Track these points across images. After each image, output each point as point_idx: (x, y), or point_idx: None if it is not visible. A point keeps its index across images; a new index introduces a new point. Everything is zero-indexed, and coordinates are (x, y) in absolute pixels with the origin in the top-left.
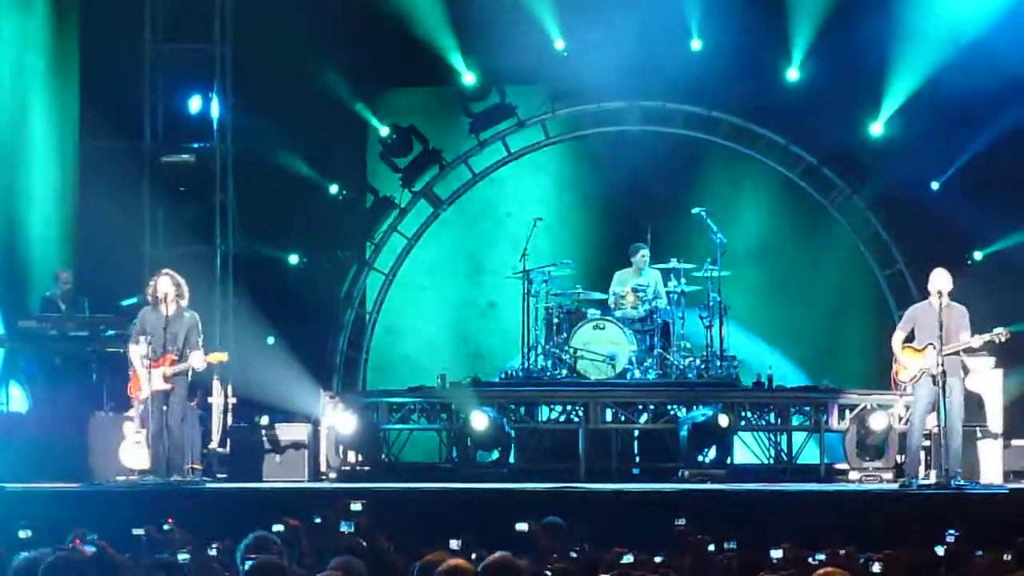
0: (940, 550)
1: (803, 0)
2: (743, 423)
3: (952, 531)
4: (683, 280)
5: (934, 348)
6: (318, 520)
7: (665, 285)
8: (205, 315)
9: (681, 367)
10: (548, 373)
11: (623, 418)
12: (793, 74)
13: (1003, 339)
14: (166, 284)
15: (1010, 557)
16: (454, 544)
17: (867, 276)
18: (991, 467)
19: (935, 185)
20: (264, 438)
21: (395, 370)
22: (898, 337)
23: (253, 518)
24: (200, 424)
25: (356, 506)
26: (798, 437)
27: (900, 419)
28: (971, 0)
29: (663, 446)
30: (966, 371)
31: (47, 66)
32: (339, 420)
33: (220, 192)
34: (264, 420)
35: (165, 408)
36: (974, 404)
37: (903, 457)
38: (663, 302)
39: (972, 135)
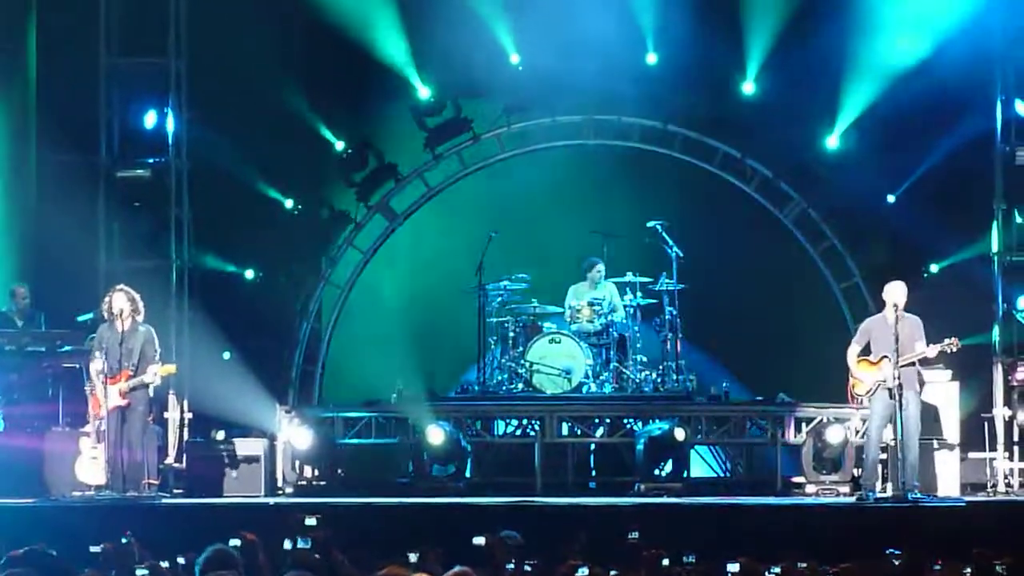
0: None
1: (759, 14)
2: (699, 436)
3: (895, 550)
4: (639, 294)
5: (889, 360)
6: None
7: (621, 298)
8: (160, 329)
9: (637, 381)
10: (504, 387)
11: (579, 432)
12: (749, 88)
13: (954, 349)
14: (121, 300)
15: (969, 570)
16: (412, 557)
17: (823, 289)
18: (948, 479)
19: (891, 198)
20: (220, 453)
21: (351, 384)
22: (853, 351)
23: (210, 533)
24: (156, 439)
25: (311, 520)
26: (755, 451)
27: (857, 432)
28: (925, 14)
29: (619, 460)
30: (922, 384)
31: (2, 80)
32: (295, 435)
33: (176, 206)
34: (220, 435)
35: (123, 423)
36: (930, 417)
37: (860, 470)
38: (619, 316)
39: (927, 148)
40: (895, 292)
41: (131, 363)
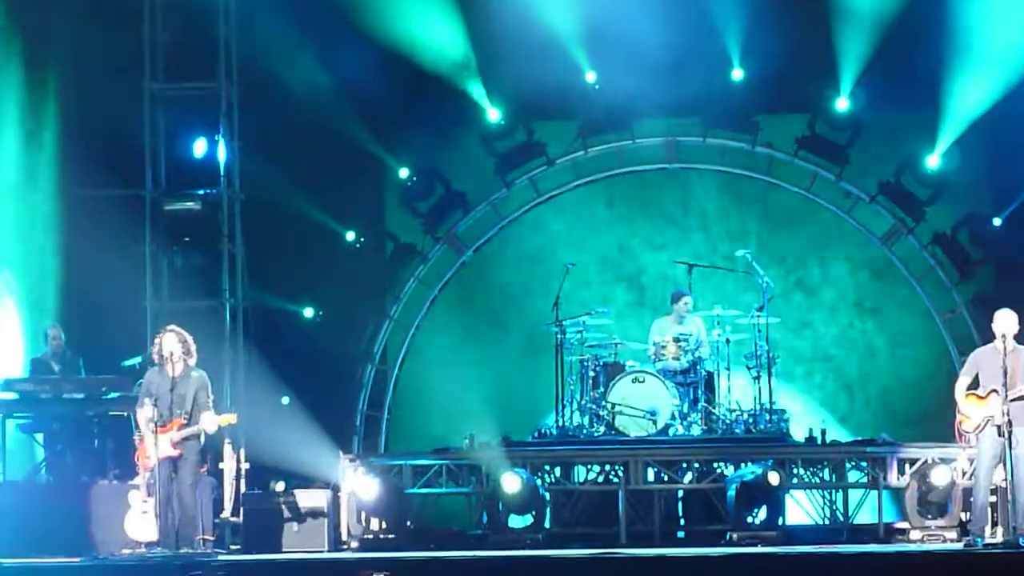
0: None
1: (852, 25)
2: (795, 481)
3: None
4: (728, 328)
5: (998, 395)
6: None
7: (708, 334)
8: (214, 374)
9: (727, 422)
10: (584, 431)
11: (666, 478)
12: (843, 104)
13: None
14: (172, 342)
15: None
16: None
17: (925, 319)
18: None
19: (997, 221)
20: (280, 506)
21: (419, 430)
22: (961, 384)
23: None
24: (211, 492)
25: None
26: (854, 495)
27: (964, 473)
28: None
29: (709, 507)
30: None
31: (43, 112)
32: (360, 485)
33: (228, 241)
34: (280, 486)
35: (174, 475)
36: None
37: (968, 514)
38: (707, 352)
39: None
40: (1005, 321)
41: (183, 411)
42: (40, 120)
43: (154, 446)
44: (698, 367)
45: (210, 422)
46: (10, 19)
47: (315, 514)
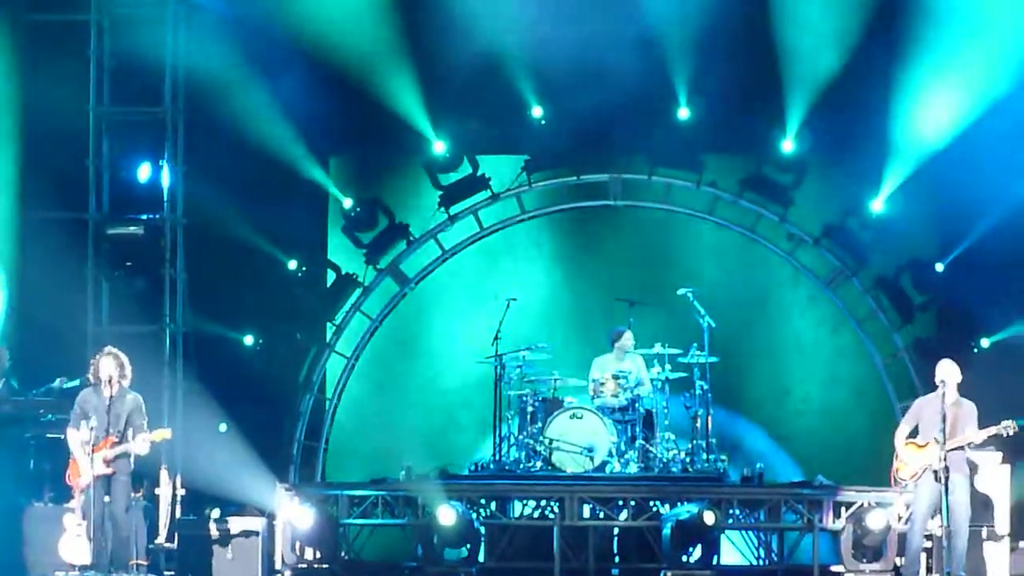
0: None
1: (800, 67)
2: (731, 521)
3: None
4: (667, 366)
5: (937, 443)
6: None
7: (648, 371)
8: (152, 399)
9: (665, 460)
10: (521, 465)
11: (602, 514)
12: (788, 146)
13: (1010, 432)
14: (109, 365)
15: None
16: None
17: (865, 363)
18: (997, 571)
19: (940, 267)
20: (215, 532)
21: (356, 461)
22: (901, 432)
23: None
24: (146, 517)
25: None
26: (790, 537)
27: (900, 518)
28: (980, 73)
29: (645, 545)
30: (972, 469)
31: None
32: (296, 514)
33: (169, 266)
34: (215, 513)
35: (107, 498)
36: (979, 503)
37: (902, 559)
38: (646, 390)
39: (980, 213)
40: (946, 371)
41: (116, 430)
42: (2, 140)
43: (88, 466)
44: (637, 404)
45: (143, 443)
46: None
47: (250, 542)
